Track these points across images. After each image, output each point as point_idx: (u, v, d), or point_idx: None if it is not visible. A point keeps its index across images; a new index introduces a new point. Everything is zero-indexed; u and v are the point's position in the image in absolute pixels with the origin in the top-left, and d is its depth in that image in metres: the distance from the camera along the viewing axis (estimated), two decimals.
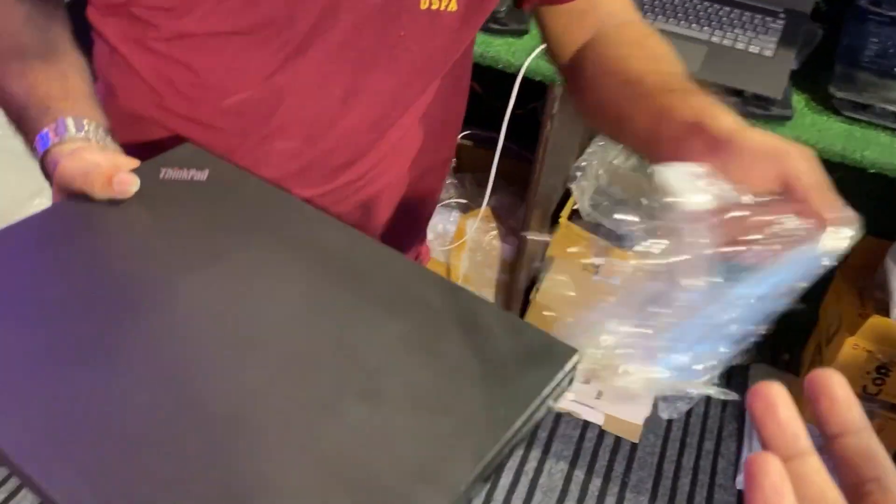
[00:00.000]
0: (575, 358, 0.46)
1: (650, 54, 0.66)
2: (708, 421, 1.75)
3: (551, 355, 0.45)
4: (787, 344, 1.86)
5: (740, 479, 1.60)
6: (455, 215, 1.76)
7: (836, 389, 0.27)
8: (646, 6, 1.36)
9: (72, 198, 0.55)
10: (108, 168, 0.54)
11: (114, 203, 0.54)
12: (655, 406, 1.74)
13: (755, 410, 0.26)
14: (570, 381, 0.47)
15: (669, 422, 1.74)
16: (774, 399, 0.26)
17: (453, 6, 0.66)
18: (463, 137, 1.81)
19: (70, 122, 0.57)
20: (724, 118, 0.51)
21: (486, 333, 0.47)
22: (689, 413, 1.76)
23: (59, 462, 0.38)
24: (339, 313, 0.47)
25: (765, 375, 1.82)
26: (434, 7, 0.65)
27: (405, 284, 0.50)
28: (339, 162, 0.71)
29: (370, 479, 0.38)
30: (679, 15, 1.34)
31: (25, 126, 0.60)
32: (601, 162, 1.77)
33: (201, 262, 0.50)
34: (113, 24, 0.66)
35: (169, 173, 0.57)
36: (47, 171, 0.58)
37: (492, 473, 0.41)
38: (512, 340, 0.46)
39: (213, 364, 0.44)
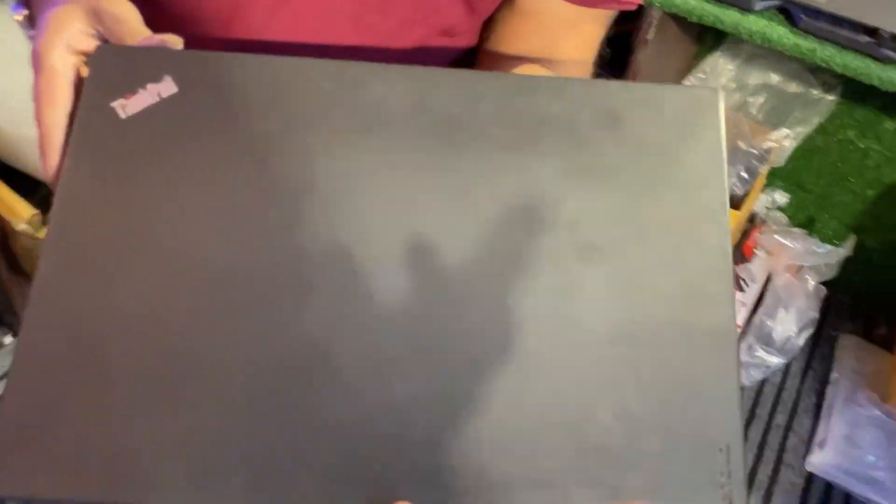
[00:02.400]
0: (720, 95, 0.48)
1: None
2: (783, 393, 1.61)
3: (701, 106, 0.47)
4: (886, 317, 1.69)
5: (812, 459, 1.47)
6: None
7: None
8: None
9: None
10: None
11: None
12: None
13: None
14: None
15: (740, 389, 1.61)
16: None
17: None
18: None
19: None
20: None
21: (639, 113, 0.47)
22: (762, 382, 1.62)
23: None
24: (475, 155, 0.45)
25: (854, 348, 1.65)
26: None
27: (509, 98, 0.46)
28: None
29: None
30: None
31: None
32: None
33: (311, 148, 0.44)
34: None
35: (127, 106, 0.40)
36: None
37: None
38: (667, 112, 0.47)
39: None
